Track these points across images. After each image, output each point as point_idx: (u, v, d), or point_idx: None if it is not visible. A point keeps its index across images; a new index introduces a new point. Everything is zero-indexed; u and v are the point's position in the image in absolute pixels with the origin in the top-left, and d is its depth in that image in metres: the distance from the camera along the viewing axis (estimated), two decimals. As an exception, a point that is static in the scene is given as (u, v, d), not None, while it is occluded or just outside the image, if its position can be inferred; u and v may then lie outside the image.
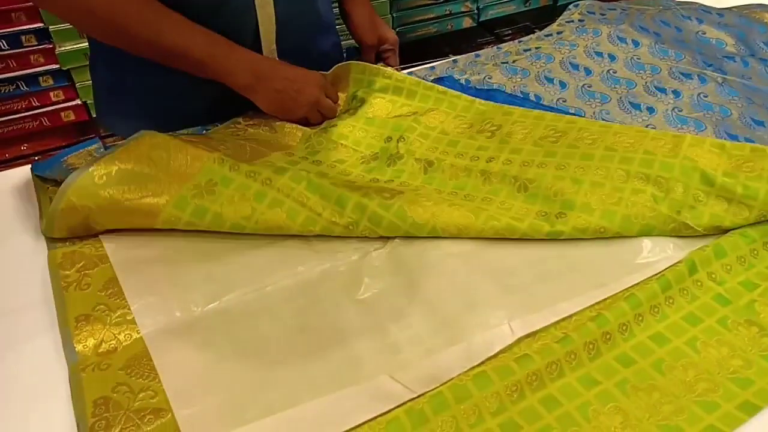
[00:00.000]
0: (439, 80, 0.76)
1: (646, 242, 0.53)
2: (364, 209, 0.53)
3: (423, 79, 0.74)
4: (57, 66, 1.30)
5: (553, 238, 0.53)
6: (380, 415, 0.39)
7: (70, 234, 0.54)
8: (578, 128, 0.64)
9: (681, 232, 0.54)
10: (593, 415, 0.39)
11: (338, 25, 0.84)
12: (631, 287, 0.48)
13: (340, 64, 0.74)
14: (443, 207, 0.54)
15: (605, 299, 0.47)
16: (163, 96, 0.72)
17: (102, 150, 0.63)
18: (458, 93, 0.72)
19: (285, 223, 0.53)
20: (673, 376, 0.41)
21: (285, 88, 0.66)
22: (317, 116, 0.70)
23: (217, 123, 0.71)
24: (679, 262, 0.50)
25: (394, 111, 0.72)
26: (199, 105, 0.73)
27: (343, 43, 0.87)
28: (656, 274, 0.49)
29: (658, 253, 0.52)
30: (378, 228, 0.53)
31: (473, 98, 0.71)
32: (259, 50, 0.69)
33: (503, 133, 0.66)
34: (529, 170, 0.60)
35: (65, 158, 0.61)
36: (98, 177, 0.52)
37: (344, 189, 0.55)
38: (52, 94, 1.33)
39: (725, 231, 0.53)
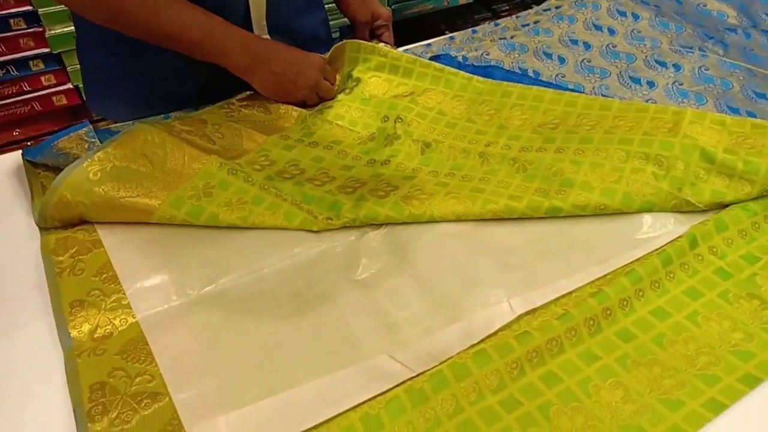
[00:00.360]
0: (435, 57, 0.75)
1: (647, 218, 0.52)
2: (359, 210, 0.53)
3: (419, 56, 0.73)
4: (47, 50, 1.28)
5: (553, 216, 0.52)
6: (380, 395, 0.38)
7: (63, 224, 0.54)
8: (577, 114, 0.63)
9: (682, 208, 0.53)
10: (594, 390, 0.39)
11: (327, 3, 0.83)
12: (631, 263, 0.48)
13: (336, 44, 0.72)
14: (440, 197, 0.53)
15: (606, 275, 0.47)
16: (153, 78, 0.71)
17: (92, 134, 0.61)
18: (455, 70, 0.71)
19: (282, 224, 0.53)
20: (674, 350, 0.41)
21: (284, 70, 0.65)
22: (315, 99, 0.69)
23: (208, 105, 0.69)
24: (680, 236, 0.49)
25: (390, 90, 0.70)
26: (191, 87, 0.71)
27: (335, 21, 0.86)
28: (657, 249, 0.48)
29: (658, 228, 0.51)
30: (375, 222, 0.53)
31: (471, 75, 0.70)
32: (249, 27, 0.68)
33: (502, 118, 0.65)
34: (528, 154, 0.59)
35: (56, 142, 0.60)
36: (93, 173, 0.52)
37: (340, 195, 0.55)
38: (43, 78, 1.31)
39: (727, 206, 0.53)
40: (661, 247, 0.49)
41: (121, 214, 0.52)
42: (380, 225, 0.53)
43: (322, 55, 0.71)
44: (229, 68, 0.64)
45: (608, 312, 0.43)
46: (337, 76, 0.73)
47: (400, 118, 0.66)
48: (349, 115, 0.68)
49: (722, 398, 0.38)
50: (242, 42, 0.63)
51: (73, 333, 0.43)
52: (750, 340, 0.42)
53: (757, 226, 0.51)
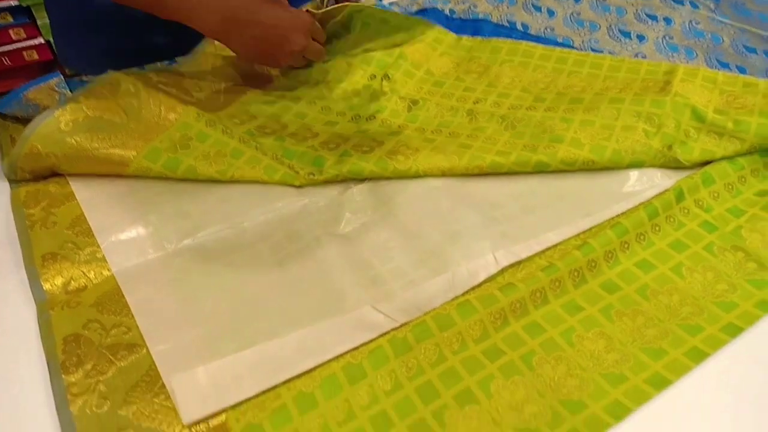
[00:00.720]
0: (422, 11, 0.73)
1: (634, 171, 0.51)
2: (342, 165, 0.51)
3: (406, 9, 0.71)
4: (16, 2, 1.22)
5: (540, 171, 0.52)
6: (363, 345, 0.38)
7: (34, 177, 0.52)
8: (567, 72, 0.62)
9: (670, 165, 0.52)
10: (577, 340, 0.39)
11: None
12: (617, 216, 0.47)
13: (335, 6, 0.69)
14: (425, 153, 0.52)
15: (591, 228, 0.47)
16: (124, 29, 0.67)
17: (63, 84, 0.59)
18: (445, 30, 0.69)
19: (262, 178, 0.51)
20: (657, 301, 0.41)
21: (267, 35, 0.58)
22: (303, 62, 0.64)
23: (184, 56, 0.67)
24: (666, 189, 0.49)
25: (378, 44, 0.68)
26: (166, 38, 0.68)
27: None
28: (643, 203, 0.48)
29: (645, 182, 0.50)
30: (359, 177, 0.52)
31: (459, 36, 0.68)
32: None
33: (491, 75, 0.64)
34: (517, 112, 0.58)
35: (25, 93, 0.57)
36: (64, 123, 0.49)
37: (323, 151, 0.53)
38: (11, 32, 1.25)
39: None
40: (647, 200, 0.48)
41: (95, 166, 0.50)
42: (364, 179, 0.52)
43: (311, 5, 0.67)
44: (202, 32, 0.58)
45: (593, 264, 0.43)
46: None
47: (387, 77, 0.64)
48: (333, 70, 0.65)
49: (704, 347, 0.38)
50: (215, 1, 0.56)
51: (46, 286, 0.42)
52: (733, 290, 0.42)
53: (743, 180, 0.50)
